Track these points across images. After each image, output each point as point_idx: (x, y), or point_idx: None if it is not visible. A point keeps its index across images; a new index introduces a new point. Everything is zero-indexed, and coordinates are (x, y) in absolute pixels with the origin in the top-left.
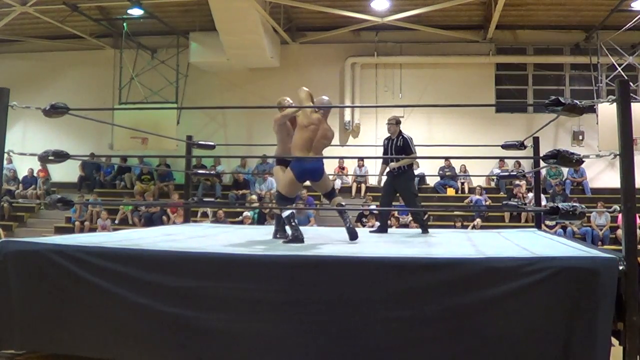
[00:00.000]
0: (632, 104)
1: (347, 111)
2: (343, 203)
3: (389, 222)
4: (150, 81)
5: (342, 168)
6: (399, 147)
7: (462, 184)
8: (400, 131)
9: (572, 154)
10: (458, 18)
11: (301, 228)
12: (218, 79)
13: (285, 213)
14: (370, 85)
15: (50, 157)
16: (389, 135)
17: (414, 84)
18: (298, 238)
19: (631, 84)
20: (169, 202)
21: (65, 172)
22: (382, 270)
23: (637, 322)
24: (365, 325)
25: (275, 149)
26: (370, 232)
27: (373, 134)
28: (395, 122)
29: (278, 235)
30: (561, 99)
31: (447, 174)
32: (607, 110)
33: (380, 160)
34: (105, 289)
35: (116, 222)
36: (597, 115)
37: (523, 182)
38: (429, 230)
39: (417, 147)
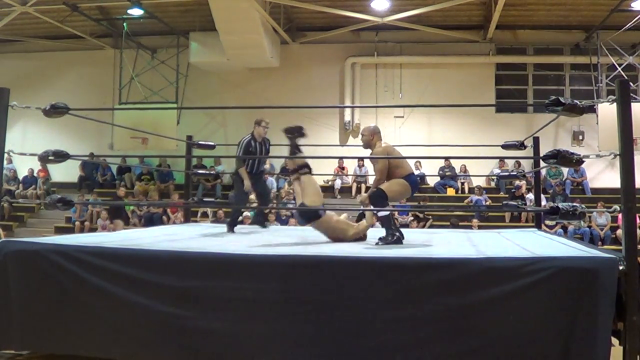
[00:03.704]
0: (632, 104)
1: (347, 111)
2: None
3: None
4: (150, 81)
5: (342, 168)
6: (267, 150)
7: (462, 184)
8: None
9: (572, 154)
10: (458, 18)
11: (300, 228)
12: (218, 79)
13: (385, 213)
14: (370, 85)
15: (50, 157)
16: (250, 139)
17: (414, 84)
18: (400, 239)
19: (631, 84)
20: (169, 202)
21: (65, 172)
22: (382, 270)
23: (637, 322)
24: (366, 325)
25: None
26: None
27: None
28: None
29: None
30: (561, 99)
31: (447, 174)
32: (607, 110)
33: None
34: (105, 288)
35: None
36: (597, 115)
37: (523, 182)
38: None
39: (417, 147)
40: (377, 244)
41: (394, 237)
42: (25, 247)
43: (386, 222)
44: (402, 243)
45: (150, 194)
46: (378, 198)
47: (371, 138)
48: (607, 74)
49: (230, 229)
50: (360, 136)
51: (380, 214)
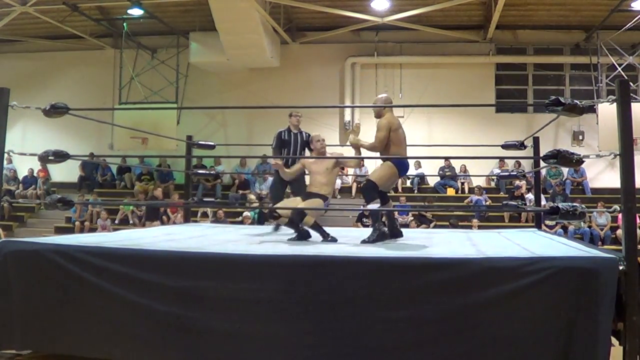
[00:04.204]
0: (632, 104)
1: (347, 111)
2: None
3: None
4: (150, 81)
5: (342, 168)
6: (305, 142)
7: (462, 184)
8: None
9: (572, 154)
10: (458, 18)
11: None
12: (218, 79)
13: (374, 206)
14: (370, 85)
15: (50, 157)
16: (284, 130)
17: (414, 84)
18: (385, 234)
19: (631, 84)
20: (169, 202)
21: (65, 172)
22: (382, 270)
23: (637, 322)
24: (366, 325)
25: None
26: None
27: (373, 134)
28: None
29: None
30: (561, 99)
31: (447, 174)
32: (607, 110)
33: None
34: (105, 288)
35: (116, 222)
36: (597, 115)
37: (523, 182)
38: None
39: (416, 147)
40: (363, 241)
41: (379, 231)
42: (25, 247)
43: (374, 215)
44: (386, 239)
45: (152, 193)
46: (369, 190)
47: (382, 107)
48: (607, 74)
49: (276, 227)
50: (373, 103)
51: (370, 207)
